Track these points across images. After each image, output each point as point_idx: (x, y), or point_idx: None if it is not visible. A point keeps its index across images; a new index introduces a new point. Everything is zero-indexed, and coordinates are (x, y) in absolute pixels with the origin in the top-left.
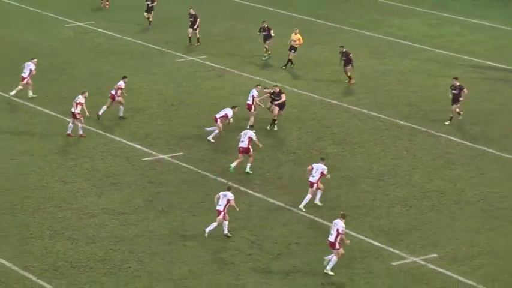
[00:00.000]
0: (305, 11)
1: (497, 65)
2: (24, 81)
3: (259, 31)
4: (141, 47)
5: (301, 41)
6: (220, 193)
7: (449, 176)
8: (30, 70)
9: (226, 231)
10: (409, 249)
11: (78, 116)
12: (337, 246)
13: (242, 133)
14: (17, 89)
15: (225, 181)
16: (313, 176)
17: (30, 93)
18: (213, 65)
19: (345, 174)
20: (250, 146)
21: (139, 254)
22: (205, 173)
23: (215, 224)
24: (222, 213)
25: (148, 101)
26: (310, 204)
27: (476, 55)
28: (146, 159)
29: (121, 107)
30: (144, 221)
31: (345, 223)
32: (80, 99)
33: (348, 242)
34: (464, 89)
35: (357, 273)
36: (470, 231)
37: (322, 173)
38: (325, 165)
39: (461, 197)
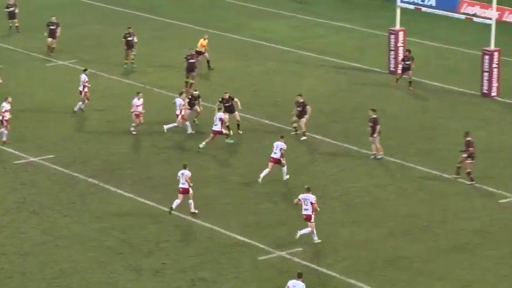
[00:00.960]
0: (172, 16)
1: (357, 65)
2: None
3: (124, 37)
4: (10, 52)
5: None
6: (179, 173)
7: (313, 172)
8: None
9: (192, 210)
10: (276, 243)
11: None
12: (313, 218)
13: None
14: None
15: (96, 182)
16: (275, 153)
17: None
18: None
19: (214, 172)
20: None
21: (11, 255)
22: (76, 174)
23: (178, 201)
24: (185, 190)
25: (20, 105)
26: (186, 204)
27: (338, 56)
28: (17, 162)
29: None
30: (15, 223)
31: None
32: (5, 106)
33: (318, 209)
34: (308, 106)
35: (225, 268)
36: (334, 224)
37: (281, 149)
38: (284, 142)
39: (324, 192)
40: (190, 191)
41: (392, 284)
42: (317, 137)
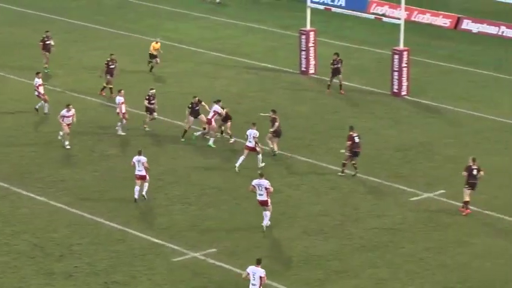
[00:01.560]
0: (84, 18)
1: (268, 65)
2: None
3: (42, 41)
4: None
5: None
6: (134, 159)
7: (226, 173)
8: None
9: (144, 192)
10: (189, 245)
11: None
12: (269, 202)
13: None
14: None
15: (6, 185)
16: (249, 142)
17: None
18: None
19: (125, 175)
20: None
21: None
22: None
23: (138, 187)
24: (142, 176)
25: None
26: (98, 206)
27: (249, 57)
28: None
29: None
30: None
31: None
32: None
33: (272, 190)
34: (276, 123)
35: (139, 270)
36: (248, 225)
37: (254, 137)
38: (256, 130)
39: (238, 193)
40: (147, 177)
41: (307, 282)
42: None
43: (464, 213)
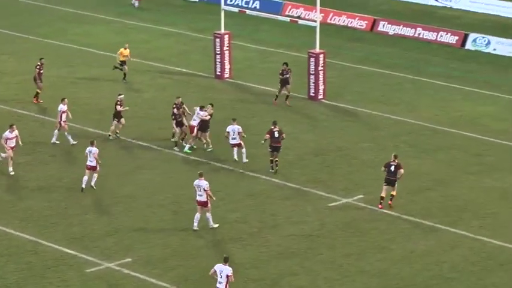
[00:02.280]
0: None
1: (183, 69)
2: None
3: None
4: None
5: (129, 55)
6: (87, 150)
7: (140, 180)
8: None
9: (93, 183)
10: (103, 255)
11: None
12: (208, 203)
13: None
14: None
15: None
16: (233, 138)
17: None
18: None
19: (36, 184)
20: None
21: None
22: None
23: (86, 177)
24: (93, 167)
25: None
26: (8, 217)
27: (163, 61)
28: None
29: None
30: None
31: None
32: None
33: (214, 198)
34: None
35: (51, 282)
36: (163, 233)
37: (239, 133)
38: (238, 125)
39: (152, 201)
40: (98, 168)
41: None
42: (144, 144)
43: (380, 207)
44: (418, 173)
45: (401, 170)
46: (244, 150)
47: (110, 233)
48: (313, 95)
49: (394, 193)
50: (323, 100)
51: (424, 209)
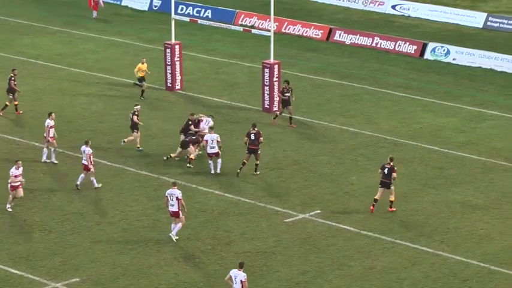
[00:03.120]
0: None
1: (132, 81)
2: None
3: None
4: None
5: (147, 70)
6: (82, 148)
7: (89, 196)
8: None
9: (78, 182)
10: (50, 274)
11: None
12: (181, 214)
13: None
14: None
15: None
16: (212, 147)
17: None
18: None
19: None
20: None
21: None
22: None
23: (83, 175)
24: (88, 165)
25: None
26: None
27: (111, 72)
28: None
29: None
30: None
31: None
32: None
33: (186, 209)
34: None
35: None
36: (113, 251)
37: (217, 141)
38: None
39: (102, 218)
40: (92, 169)
41: None
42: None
43: (371, 208)
44: (376, 187)
45: (394, 174)
46: (220, 160)
47: (57, 252)
48: (267, 107)
49: (392, 198)
50: (278, 112)
51: (384, 224)
